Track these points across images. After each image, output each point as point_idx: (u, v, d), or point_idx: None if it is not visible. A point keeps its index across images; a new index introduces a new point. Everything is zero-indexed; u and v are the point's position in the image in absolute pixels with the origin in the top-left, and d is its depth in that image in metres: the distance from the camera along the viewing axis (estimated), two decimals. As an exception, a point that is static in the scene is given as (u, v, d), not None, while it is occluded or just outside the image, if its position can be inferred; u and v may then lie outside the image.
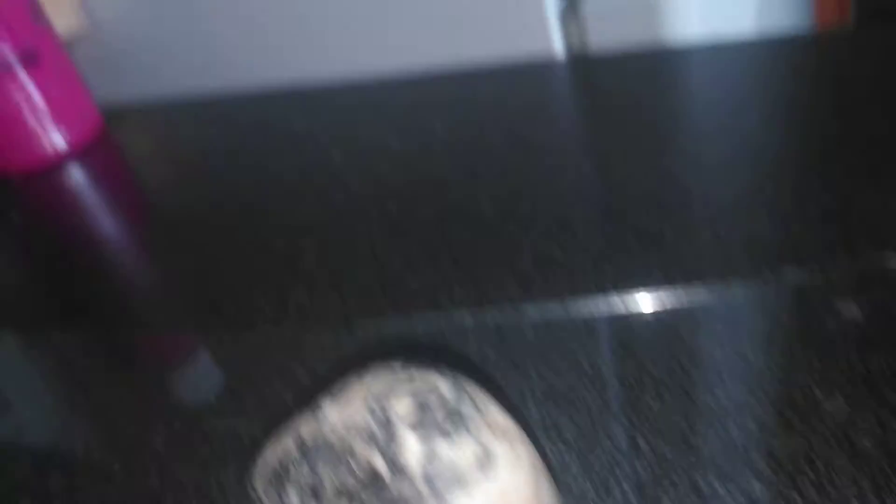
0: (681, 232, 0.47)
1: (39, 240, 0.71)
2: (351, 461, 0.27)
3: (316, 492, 0.28)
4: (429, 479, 0.25)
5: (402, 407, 0.26)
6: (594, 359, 0.39)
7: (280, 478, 0.30)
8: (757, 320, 0.42)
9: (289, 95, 0.81)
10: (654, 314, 0.42)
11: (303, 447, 0.29)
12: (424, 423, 0.25)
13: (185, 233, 0.64)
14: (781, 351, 0.38)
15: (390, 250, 0.53)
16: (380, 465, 0.26)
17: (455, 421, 0.25)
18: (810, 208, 0.47)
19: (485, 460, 0.25)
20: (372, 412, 0.27)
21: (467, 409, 0.26)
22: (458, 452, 0.25)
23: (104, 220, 0.73)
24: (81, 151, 0.80)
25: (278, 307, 0.50)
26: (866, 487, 0.30)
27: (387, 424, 0.26)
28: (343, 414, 0.28)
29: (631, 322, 0.42)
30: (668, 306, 0.42)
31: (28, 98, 0.75)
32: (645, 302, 0.42)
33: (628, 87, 0.69)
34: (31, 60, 0.74)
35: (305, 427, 0.29)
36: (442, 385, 0.26)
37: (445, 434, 0.25)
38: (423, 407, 0.26)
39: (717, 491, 0.31)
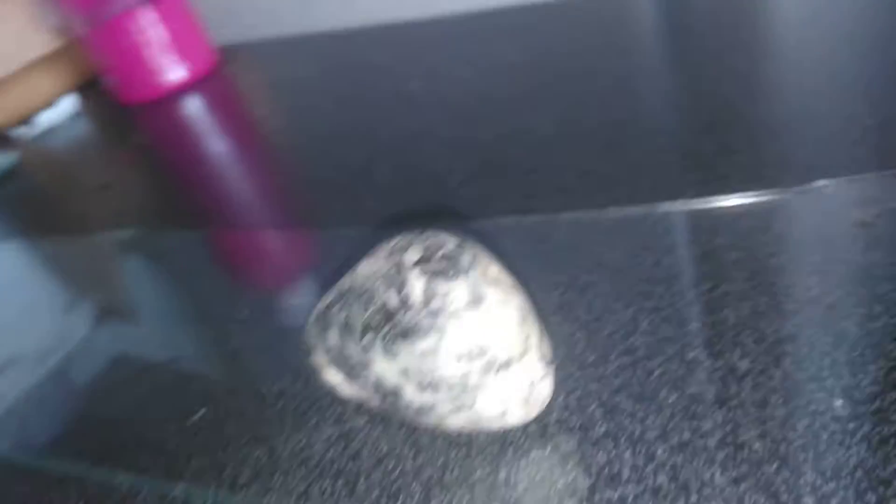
0: (729, 150, 0.49)
1: (160, 158, 0.82)
2: (372, 301, 0.33)
3: (349, 327, 0.34)
4: (430, 312, 0.30)
5: (412, 256, 0.31)
6: (619, 258, 0.43)
7: (323, 320, 0.36)
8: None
9: (373, 32, 0.88)
10: (682, 216, 0.45)
11: (340, 294, 0.35)
12: (428, 267, 0.31)
13: (282, 152, 0.72)
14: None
15: (451, 167, 0.58)
16: (393, 301, 0.31)
17: (453, 267, 0.30)
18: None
19: (477, 299, 0.30)
20: (390, 261, 0.32)
21: (466, 259, 0.31)
22: (453, 291, 0.30)
23: (216, 141, 0.82)
24: (197, 83, 0.91)
25: (352, 212, 0.57)
26: None
27: (400, 269, 0.31)
28: (371, 267, 0.34)
29: (658, 225, 0.45)
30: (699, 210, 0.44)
31: (151, 34, 0.85)
32: (673, 207, 0.45)
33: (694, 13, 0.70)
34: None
35: (345, 280, 0.36)
36: (449, 242, 0.32)
37: (443, 275, 0.30)
38: (428, 256, 0.31)
39: (703, 363, 0.34)
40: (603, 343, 0.37)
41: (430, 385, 0.31)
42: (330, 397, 0.40)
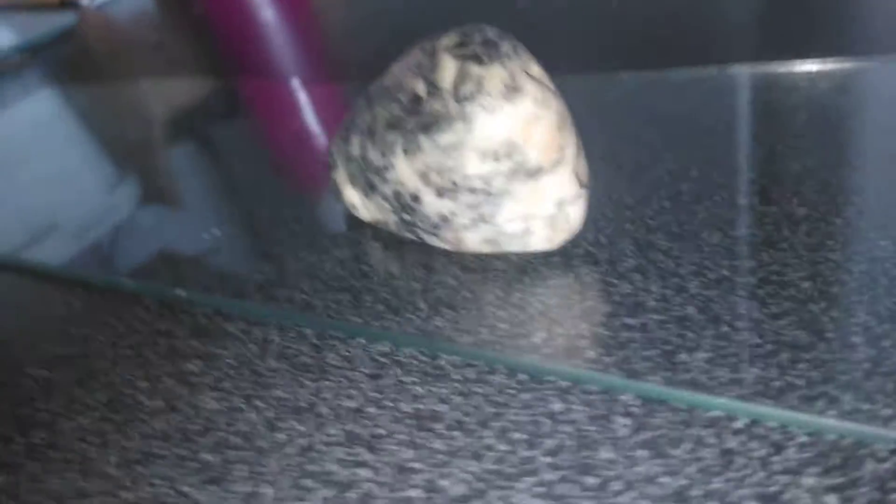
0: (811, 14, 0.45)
1: (217, 26, 0.81)
2: (399, 94, 0.30)
3: (372, 129, 0.32)
4: (458, 97, 0.27)
5: (448, 40, 0.28)
6: (679, 113, 0.39)
7: (347, 130, 0.34)
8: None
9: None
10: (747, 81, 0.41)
11: (367, 98, 0.33)
12: (463, 50, 0.28)
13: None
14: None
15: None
16: (420, 89, 0.29)
17: (490, 52, 0.28)
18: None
19: (513, 90, 0.27)
20: (423, 49, 0.29)
21: (506, 48, 0.28)
22: (488, 76, 0.27)
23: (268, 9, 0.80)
24: None
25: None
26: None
27: (433, 54, 0.29)
28: (403, 63, 0.31)
29: (726, 85, 0.41)
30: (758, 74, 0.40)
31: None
32: (743, 69, 0.41)
33: None
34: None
35: (372, 86, 0.33)
36: (489, 30, 0.29)
37: (479, 60, 0.27)
38: (465, 40, 0.28)
39: (756, 208, 0.31)
40: (645, 186, 0.34)
41: (451, 190, 0.29)
42: (348, 221, 0.38)
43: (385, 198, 0.32)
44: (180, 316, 0.34)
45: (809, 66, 0.40)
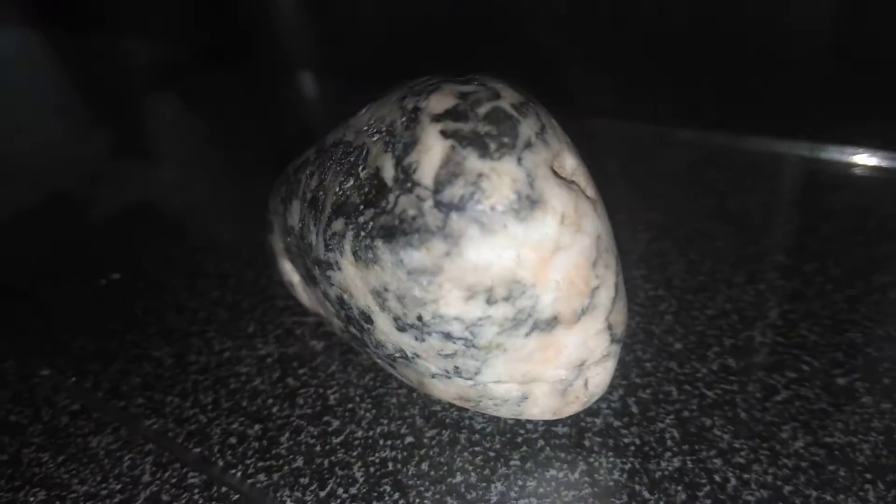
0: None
1: None
2: (359, 166, 0.19)
3: (316, 203, 0.21)
4: (442, 201, 0.17)
5: (439, 100, 0.18)
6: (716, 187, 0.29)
7: (287, 186, 0.24)
8: None
9: None
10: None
11: (320, 150, 0.22)
12: (459, 125, 0.17)
13: None
14: None
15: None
16: (387, 171, 0.18)
17: (503, 134, 0.17)
18: None
19: (529, 202, 0.17)
20: (402, 104, 0.19)
21: (527, 129, 0.17)
22: (493, 176, 0.17)
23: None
24: None
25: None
26: None
27: (413, 120, 0.18)
28: (373, 114, 0.20)
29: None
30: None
31: None
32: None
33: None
34: None
35: (336, 130, 0.22)
36: (506, 95, 0.18)
37: (481, 147, 0.17)
38: (464, 109, 0.17)
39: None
40: (704, 323, 0.24)
41: (417, 326, 0.18)
42: (284, 300, 0.28)
43: (327, 298, 0.22)
44: None
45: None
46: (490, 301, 0.18)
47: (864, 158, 0.30)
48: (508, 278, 0.17)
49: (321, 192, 0.21)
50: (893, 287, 0.24)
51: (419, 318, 0.18)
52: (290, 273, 0.26)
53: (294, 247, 0.23)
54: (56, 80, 0.57)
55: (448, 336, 0.18)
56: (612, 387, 0.22)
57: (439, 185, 0.17)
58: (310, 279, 0.23)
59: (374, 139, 0.19)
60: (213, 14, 0.58)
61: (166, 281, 0.30)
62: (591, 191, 0.19)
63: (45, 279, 0.32)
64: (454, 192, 0.17)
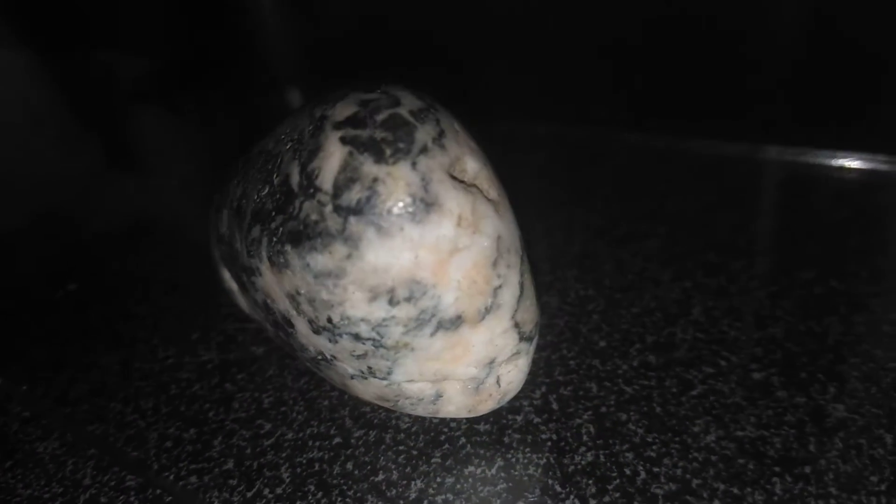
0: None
1: None
2: (274, 173, 0.20)
3: (240, 210, 0.22)
4: (340, 206, 0.17)
5: (342, 109, 0.18)
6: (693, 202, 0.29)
7: (220, 196, 0.24)
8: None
9: None
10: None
11: (246, 160, 0.23)
12: (357, 131, 0.18)
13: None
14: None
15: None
16: (294, 177, 0.19)
17: (398, 140, 0.17)
18: None
19: (425, 205, 0.17)
20: (311, 112, 0.19)
21: (424, 134, 0.18)
22: (387, 180, 0.17)
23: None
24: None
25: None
26: None
27: (319, 128, 0.19)
28: (290, 124, 0.21)
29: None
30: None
31: None
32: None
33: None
34: None
35: (265, 140, 0.23)
36: (406, 101, 0.18)
37: (376, 152, 0.17)
38: (363, 116, 0.18)
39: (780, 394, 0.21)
40: (629, 321, 0.24)
41: (329, 328, 0.19)
42: (229, 307, 0.28)
43: (257, 304, 0.22)
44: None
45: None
46: (392, 302, 0.18)
47: (801, 158, 0.31)
48: (408, 279, 0.18)
49: (244, 200, 0.21)
50: (817, 283, 0.25)
51: (329, 321, 0.19)
52: (230, 281, 0.26)
53: (227, 255, 0.24)
54: (38, 96, 0.58)
55: (357, 337, 0.19)
56: (535, 385, 0.23)
57: (338, 190, 0.17)
58: (241, 286, 0.24)
59: (287, 147, 0.20)
60: (199, 30, 0.59)
61: (121, 290, 0.31)
62: (493, 193, 0.19)
63: (5, 291, 0.33)
64: (351, 196, 0.17)
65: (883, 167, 0.30)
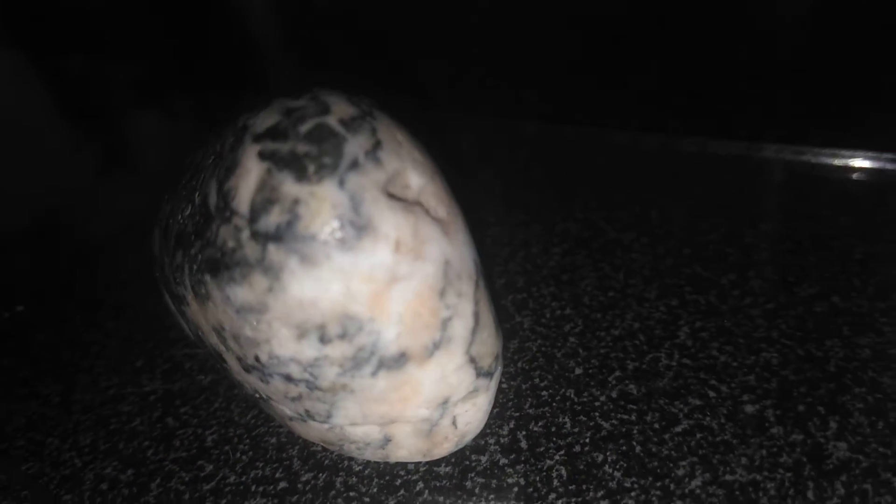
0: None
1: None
2: (196, 191, 0.18)
3: (167, 231, 0.19)
4: (258, 231, 0.15)
5: (262, 122, 0.16)
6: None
7: (157, 214, 0.22)
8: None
9: None
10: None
11: (180, 175, 0.20)
12: (277, 144, 0.15)
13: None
14: None
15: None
16: (212, 196, 0.16)
17: (323, 154, 0.15)
18: None
19: (356, 229, 0.15)
20: (234, 122, 0.17)
21: (354, 146, 0.15)
22: (311, 201, 0.15)
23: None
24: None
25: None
26: None
27: (238, 140, 0.16)
28: (217, 136, 0.18)
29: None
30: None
31: None
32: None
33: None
34: None
35: (195, 153, 0.21)
36: (337, 109, 0.16)
37: (298, 169, 0.15)
38: (284, 127, 0.15)
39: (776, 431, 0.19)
40: (609, 345, 0.22)
41: (258, 367, 0.17)
42: (178, 331, 0.26)
43: (193, 335, 0.20)
44: None
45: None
46: (324, 339, 0.16)
47: (804, 158, 0.28)
48: (340, 314, 0.15)
49: (171, 220, 0.19)
50: (818, 300, 0.22)
51: (257, 359, 0.17)
52: (169, 303, 0.24)
53: (161, 278, 0.21)
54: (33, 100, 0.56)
55: (289, 378, 0.16)
56: (504, 419, 0.20)
57: (255, 213, 0.15)
58: (178, 310, 0.21)
59: (210, 161, 0.17)
60: (197, 39, 0.57)
61: (67, 313, 0.29)
62: (441, 211, 0.17)
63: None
64: (270, 220, 0.15)
65: (890, 167, 0.27)
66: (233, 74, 0.49)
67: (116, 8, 0.63)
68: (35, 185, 0.41)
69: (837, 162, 0.27)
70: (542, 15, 0.43)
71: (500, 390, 0.21)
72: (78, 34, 0.61)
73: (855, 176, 0.27)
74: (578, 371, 0.21)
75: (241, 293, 0.15)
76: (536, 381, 0.21)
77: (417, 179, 0.16)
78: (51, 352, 0.27)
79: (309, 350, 0.16)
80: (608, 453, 0.19)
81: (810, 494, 0.17)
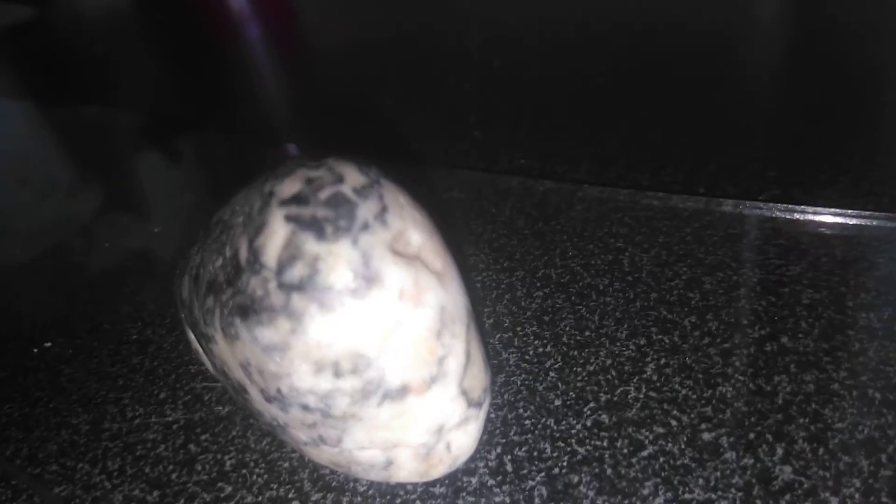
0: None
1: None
2: (227, 246, 0.20)
3: (198, 279, 0.22)
4: (284, 283, 0.17)
5: (289, 186, 0.18)
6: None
7: (183, 261, 0.24)
8: None
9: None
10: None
11: (206, 228, 0.23)
12: (300, 209, 0.18)
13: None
14: None
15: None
16: (243, 252, 0.19)
17: (339, 218, 0.17)
18: None
19: (365, 281, 0.17)
20: (261, 188, 0.19)
21: (365, 211, 0.18)
22: (328, 257, 0.17)
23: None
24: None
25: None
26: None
27: (265, 204, 0.19)
28: (245, 196, 0.21)
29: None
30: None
31: None
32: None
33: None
34: None
35: (223, 209, 0.23)
36: (350, 177, 0.18)
37: (317, 231, 0.17)
38: (306, 194, 0.18)
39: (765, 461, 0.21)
40: (585, 378, 0.24)
41: (279, 398, 0.19)
42: (197, 365, 0.28)
43: (217, 370, 0.22)
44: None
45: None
46: (337, 374, 0.18)
47: (758, 212, 0.31)
48: (352, 352, 0.18)
49: (202, 269, 0.21)
50: (770, 340, 0.25)
51: (279, 391, 0.19)
52: (195, 342, 0.26)
53: (188, 320, 0.24)
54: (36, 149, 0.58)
55: (306, 408, 0.19)
56: (492, 445, 0.22)
57: (281, 267, 0.17)
58: (203, 348, 0.23)
59: (239, 220, 0.20)
60: (199, 83, 0.60)
61: (93, 348, 0.31)
62: (438, 264, 0.19)
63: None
64: (294, 273, 0.17)
65: (836, 220, 0.30)
66: (230, 120, 0.52)
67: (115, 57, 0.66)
68: (44, 220, 0.43)
69: (788, 216, 0.30)
70: (524, 84, 0.46)
71: (488, 419, 0.23)
72: (86, 85, 0.64)
73: (804, 229, 0.30)
74: (557, 402, 0.23)
75: (268, 334, 0.18)
76: (520, 411, 0.23)
77: (417, 237, 0.19)
78: (78, 384, 0.29)
79: (324, 383, 0.18)
80: (583, 475, 0.21)
81: (757, 511, 0.19)
